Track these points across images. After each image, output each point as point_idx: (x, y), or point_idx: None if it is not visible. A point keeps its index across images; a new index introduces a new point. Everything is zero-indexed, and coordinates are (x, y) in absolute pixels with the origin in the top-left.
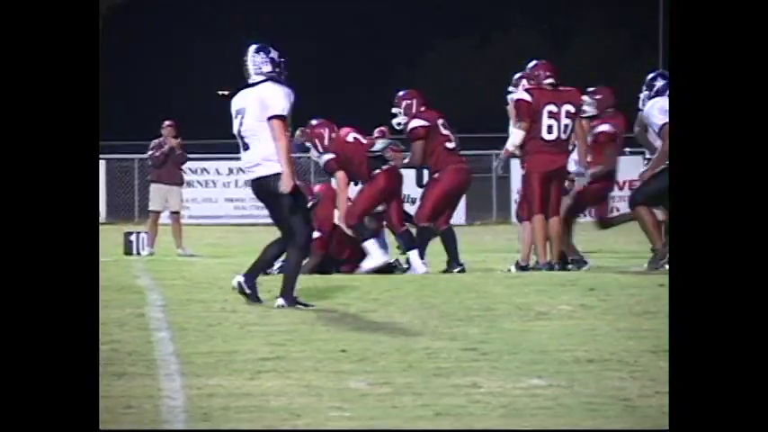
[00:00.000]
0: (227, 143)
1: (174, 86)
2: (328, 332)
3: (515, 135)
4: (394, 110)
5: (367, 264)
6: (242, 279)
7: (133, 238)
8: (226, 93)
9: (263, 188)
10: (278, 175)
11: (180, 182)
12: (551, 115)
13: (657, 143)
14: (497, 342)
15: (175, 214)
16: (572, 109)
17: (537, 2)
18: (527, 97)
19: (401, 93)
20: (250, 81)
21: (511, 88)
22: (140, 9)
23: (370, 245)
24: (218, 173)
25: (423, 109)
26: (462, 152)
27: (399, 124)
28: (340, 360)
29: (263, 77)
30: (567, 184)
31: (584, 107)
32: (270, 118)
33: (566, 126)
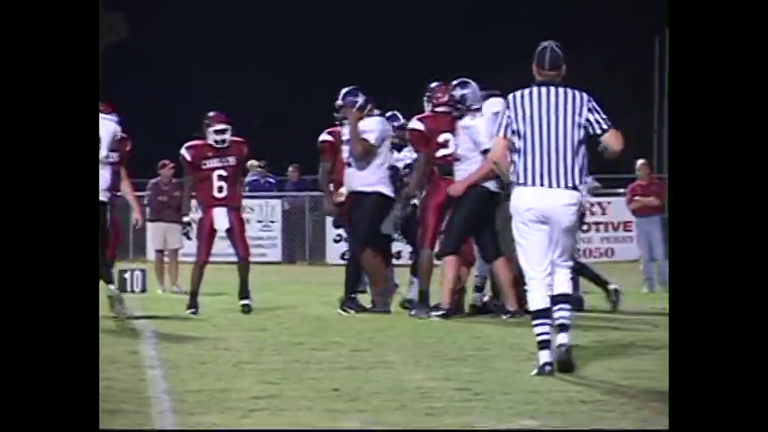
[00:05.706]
0: None
1: (173, 127)
2: (321, 371)
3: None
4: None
5: None
6: None
7: (127, 275)
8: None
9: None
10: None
11: (178, 220)
12: None
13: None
14: (490, 382)
15: (174, 252)
16: None
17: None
18: None
19: None
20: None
21: None
22: (142, 44)
23: None
24: None
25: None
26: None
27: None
28: (333, 399)
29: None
30: None
31: None
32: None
33: None
